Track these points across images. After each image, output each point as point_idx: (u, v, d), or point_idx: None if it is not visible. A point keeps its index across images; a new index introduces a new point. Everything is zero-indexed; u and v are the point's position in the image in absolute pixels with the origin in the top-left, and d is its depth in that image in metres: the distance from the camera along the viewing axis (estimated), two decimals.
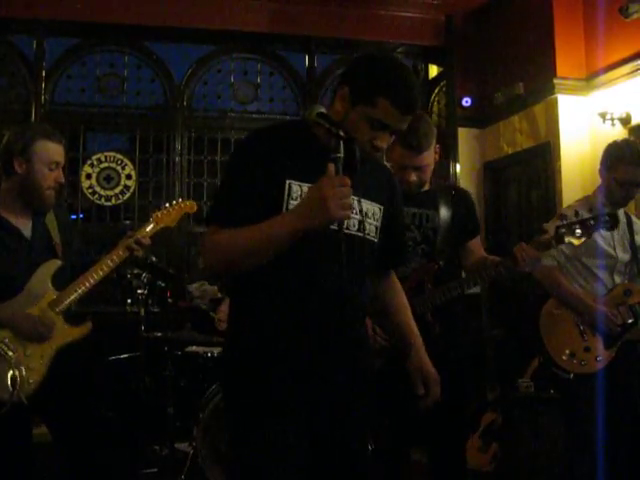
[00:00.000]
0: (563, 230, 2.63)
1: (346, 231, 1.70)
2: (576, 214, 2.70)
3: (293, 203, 1.67)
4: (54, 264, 2.54)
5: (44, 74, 5.47)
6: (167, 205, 2.85)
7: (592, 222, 2.65)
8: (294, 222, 1.58)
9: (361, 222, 1.78)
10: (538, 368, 3.82)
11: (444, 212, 2.75)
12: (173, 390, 3.93)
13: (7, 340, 2.40)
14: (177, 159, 5.71)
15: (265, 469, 1.67)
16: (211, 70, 5.94)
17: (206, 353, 3.91)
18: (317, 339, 1.70)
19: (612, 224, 2.72)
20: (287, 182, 1.69)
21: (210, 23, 5.57)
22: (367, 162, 1.80)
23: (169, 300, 5.22)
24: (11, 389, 2.34)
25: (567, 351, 3.03)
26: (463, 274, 2.84)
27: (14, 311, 2.43)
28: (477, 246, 2.88)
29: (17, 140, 2.52)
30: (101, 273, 2.56)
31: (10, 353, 2.39)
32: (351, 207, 1.57)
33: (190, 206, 2.92)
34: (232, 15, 5.57)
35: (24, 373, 2.40)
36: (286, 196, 1.68)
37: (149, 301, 4.67)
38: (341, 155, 1.60)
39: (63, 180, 2.60)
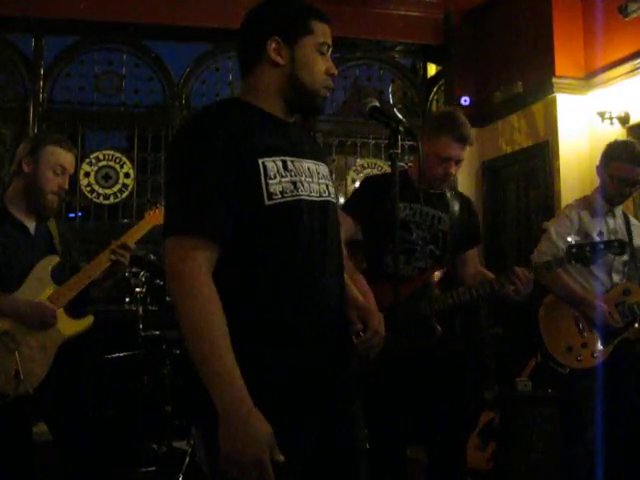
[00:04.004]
0: (574, 250, 2.76)
1: (320, 198, 1.61)
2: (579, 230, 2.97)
3: (272, 182, 1.50)
4: (53, 259, 2.59)
5: (42, 72, 5.45)
6: (158, 205, 2.90)
7: (602, 246, 2.80)
8: (228, 409, 1.37)
9: (328, 185, 1.66)
10: (536, 367, 3.82)
11: (455, 217, 2.76)
12: (171, 388, 3.94)
13: (11, 332, 2.42)
14: None
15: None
16: (209, 68, 5.92)
17: None
18: (322, 332, 1.58)
19: (621, 250, 2.84)
20: (260, 161, 1.51)
21: (208, 21, 5.55)
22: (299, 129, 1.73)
23: (167, 298, 5.22)
24: (14, 381, 2.35)
25: (565, 346, 3.05)
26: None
27: (15, 299, 2.45)
28: (475, 257, 2.90)
29: (29, 142, 2.65)
30: (90, 277, 2.60)
31: (13, 345, 2.41)
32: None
33: None
34: (230, 13, 5.54)
35: (28, 365, 2.41)
36: (263, 176, 1.50)
37: (147, 299, 4.66)
38: (399, 151, 1.63)
39: (67, 187, 2.65)
